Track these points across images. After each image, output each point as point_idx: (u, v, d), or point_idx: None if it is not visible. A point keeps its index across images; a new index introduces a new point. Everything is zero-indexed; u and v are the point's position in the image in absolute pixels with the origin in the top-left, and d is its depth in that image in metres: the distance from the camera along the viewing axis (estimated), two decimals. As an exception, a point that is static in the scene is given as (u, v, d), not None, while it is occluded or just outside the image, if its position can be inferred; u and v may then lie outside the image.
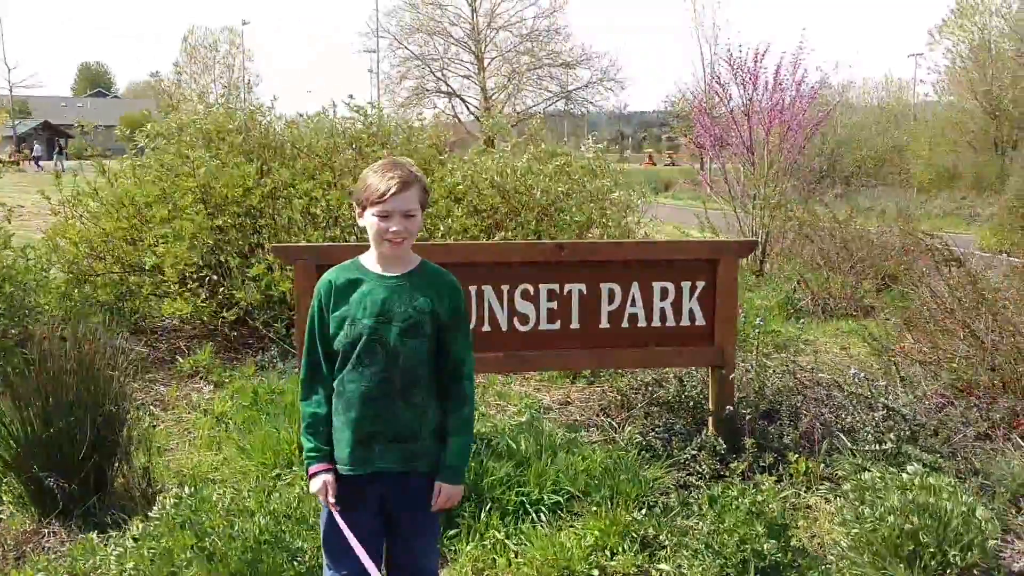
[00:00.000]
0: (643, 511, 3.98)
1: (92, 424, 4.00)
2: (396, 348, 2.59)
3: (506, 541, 3.77)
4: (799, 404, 5.02)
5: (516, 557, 3.68)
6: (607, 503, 3.99)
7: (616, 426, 5.08)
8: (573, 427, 4.81)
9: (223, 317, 6.74)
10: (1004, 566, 3.72)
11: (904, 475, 3.76)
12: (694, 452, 4.52)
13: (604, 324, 4.62)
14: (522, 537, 3.80)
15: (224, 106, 8.06)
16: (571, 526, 3.91)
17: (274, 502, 3.57)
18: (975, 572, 3.37)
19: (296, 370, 5.82)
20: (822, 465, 4.47)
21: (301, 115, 8.15)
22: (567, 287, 4.57)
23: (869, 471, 4.06)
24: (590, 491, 4.12)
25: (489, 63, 46.13)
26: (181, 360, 6.66)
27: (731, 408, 4.62)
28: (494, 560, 3.68)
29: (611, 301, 4.61)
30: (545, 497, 4.09)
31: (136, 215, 7.19)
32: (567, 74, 46.68)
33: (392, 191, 2.52)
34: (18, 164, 46.38)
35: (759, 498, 3.64)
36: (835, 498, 4.13)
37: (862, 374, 4.93)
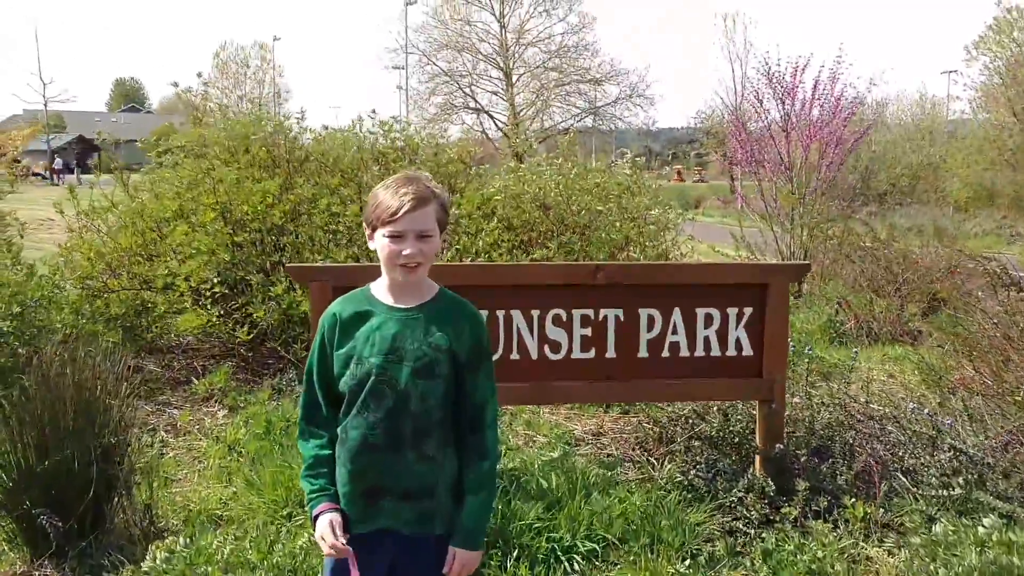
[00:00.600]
0: (686, 562, 3.62)
1: (91, 457, 3.71)
2: (407, 390, 2.26)
3: (536, 594, 3.42)
4: (852, 440, 4.63)
5: (547, 613, 3.34)
6: (646, 552, 3.63)
7: (654, 462, 4.72)
8: (609, 464, 4.46)
9: (238, 337, 6.46)
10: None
11: (981, 528, 3.38)
12: (741, 494, 4.15)
13: (643, 353, 4.26)
14: (554, 590, 3.45)
15: (253, 113, 7.82)
16: (607, 578, 3.56)
17: (277, 553, 3.24)
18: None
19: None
20: (880, 510, 4.08)
21: (326, 127, 7.89)
22: (603, 312, 4.22)
23: (938, 521, 3.68)
24: (627, 538, 3.77)
25: (517, 79, 45.95)
26: (196, 382, 6.38)
27: (781, 446, 4.25)
28: (523, 616, 3.34)
29: (651, 328, 4.26)
30: (579, 544, 3.74)
31: (154, 230, 6.95)
32: (595, 90, 46.40)
33: (406, 209, 2.21)
34: (53, 179, 46.91)
35: (819, 554, 3.27)
36: (900, 551, 3.73)
37: (925, 410, 4.53)
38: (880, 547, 3.81)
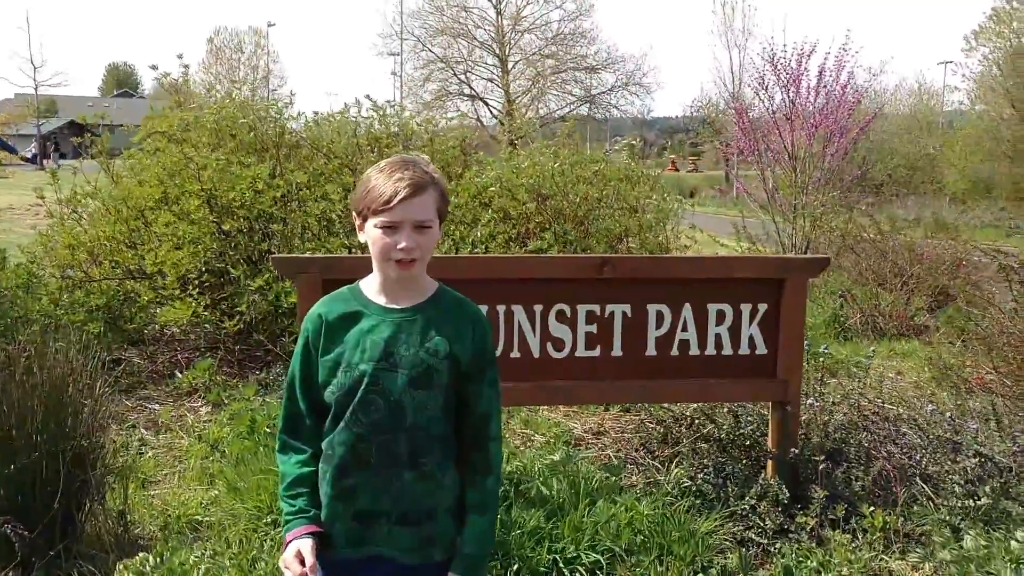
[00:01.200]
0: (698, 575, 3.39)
1: (61, 461, 3.45)
2: (402, 402, 2.00)
3: (538, 612, 3.19)
4: (867, 444, 4.39)
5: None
6: (656, 565, 3.40)
7: (659, 466, 4.48)
8: (613, 468, 4.22)
9: (225, 329, 6.20)
10: None
11: (1014, 543, 3.16)
12: (753, 502, 3.91)
13: (651, 351, 4.01)
14: (556, 607, 3.22)
15: (238, 97, 7.52)
16: (614, 593, 3.33)
17: (259, 571, 2.99)
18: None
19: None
20: (900, 519, 3.85)
21: (318, 113, 7.60)
22: (609, 308, 3.97)
23: (965, 533, 3.45)
24: (634, 549, 3.53)
25: (513, 66, 45.55)
26: (180, 375, 6.12)
27: (796, 451, 4.01)
28: (523, 636, 3.10)
29: (659, 325, 4.01)
30: (582, 555, 3.50)
31: (138, 217, 6.68)
32: (591, 78, 46.05)
33: (401, 196, 1.94)
34: (43, 164, 46.31)
35: (844, 571, 3.03)
36: (925, 564, 3.50)
37: (947, 414, 4.29)
38: (903, 560, 3.59)
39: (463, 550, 2.07)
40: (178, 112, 6.90)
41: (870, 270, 9.18)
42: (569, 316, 3.95)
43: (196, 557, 2.91)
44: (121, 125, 8.91)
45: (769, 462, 4.14)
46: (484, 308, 3.77)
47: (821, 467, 3.90)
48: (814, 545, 3.67)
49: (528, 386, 3.94)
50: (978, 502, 3.69)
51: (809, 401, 4.42)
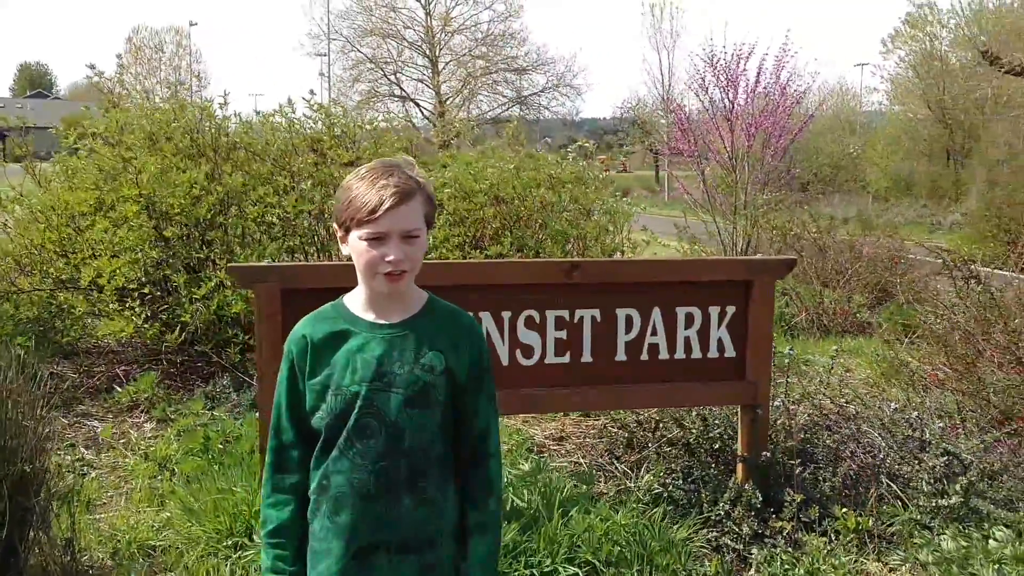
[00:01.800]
0: (680, 586, 3.32)
1: (3, 488, 3.20)
2: (399, 424, 1.88)
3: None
4: (831, 443, 4.39)
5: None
6: (636, 577, 3.32)
7: (628, 471, 4.41)
8: (584, 477, 4.13)
9: (167, 341, 5.92)
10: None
11: (992, 542, 3.17)
12: (727, 507, 3.86)
13: (620, 356, 3.94)
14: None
15: (172, 100, 7.21)
16: (596, 608, 3.24)
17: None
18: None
19: (256, 411, 5.05)
20: (870, 519, 3.85)
21: (258, 113, 7.34)
22: (578, 313, 3.88)
23: (941, 533, 3.46)
24: (613, 560, 3.45)
25: (444, 67, 45.36)
26: (119, 390, 5.83)
27: (768, 453, 3.98)
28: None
29: (629, 330, 3.94)
30: (560, 568, 3.40)
31: (69, 224, 6.34)
32: (521, 79, 46.15)
33: (387, 205, 1.81)
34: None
35: (831, 578, 2.99)
36: (904, 566, 3.49)
37: (915, 412, 4.32)
38: (880, 562, 3.58)
39: (468, 574, 1.95)
40: (114, 113, 6.57)
41: (812, 268, 9.31)
42: (538, 322, 3.85)
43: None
44: (38, 127, 8.50)
45: (739, 465, 4.10)
46: (451, 316, 3.68)
47: (797, 471, 3.87)
48: (790, 549, 3.64)
49: (498, 395, 3.81)
50: (949, 501, 3.71)
51: (776, 403, 4.40)
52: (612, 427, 5.12)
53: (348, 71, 45.10)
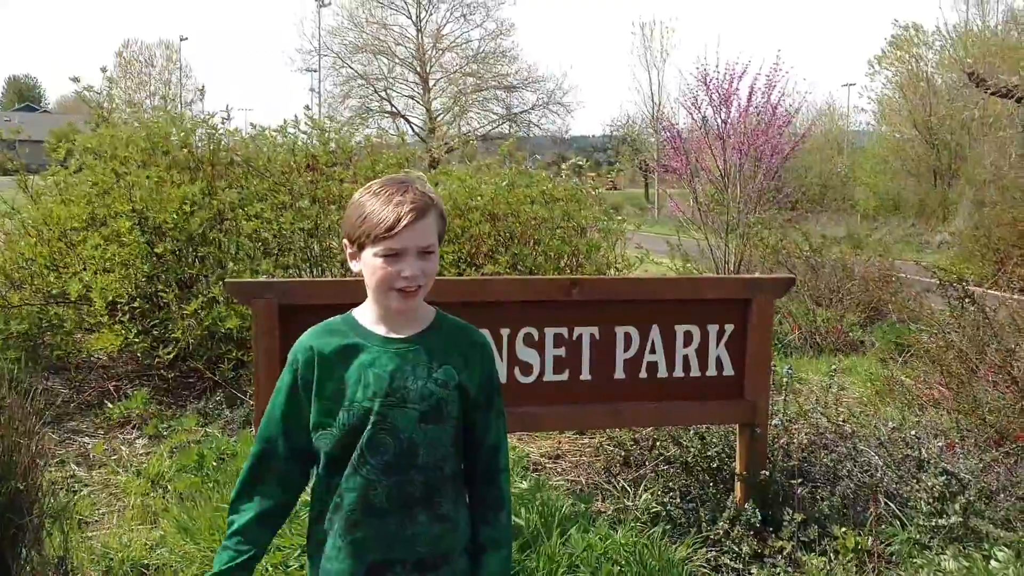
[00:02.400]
0: (680, 606, 3.29)
1: (-6, 506, 3.16)
2: (413, 439, 1.86)
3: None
4: (829, 462, 4.38)
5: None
6: (637, 597, 3.30)
7: (627, 490, 4.39)
8: (583, 496, 4.11)
9: (158, 356, 5.87)
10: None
11: (994, 563, 3.16)
12: (726, 526, 3.84)
13: (619, 374, 3.92)
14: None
15: (163, 112, 7.19)
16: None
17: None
18: None
19: (250, 427, 5.01)
20: (869, 538, 3.83)
21: (253, 126, 7.32)
22: (577, 331, 3.87)
23: (941, 553, 3.44)
24: (613, 580, 3.42)
25: (434, 84, 45.48)
26: (111, 405, 5.77)
27: (767, 472, 3.97)
28: None
29: (627, 347, 3.92)
30: (559, 588, 3.37)
31: (61, 238, 6.30)
32: (511, 96, 46.31)
33: (405, 222, 1.79)
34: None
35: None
36: (904, 586, 3.48)
37: (913, 431, 4.32)
38: (878, 581, 3.56)
39: None
40: (106, 127, 6.54)
41: (805, 287, 9.33)
42: (537, 339, 3.83)
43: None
44: (30, 140, 8.47)
45: (738, 484, 4.08)
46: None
47: (799, 490, 3.86)
48: (790, 569, 3.63)
49: (498, 412, 3.79)
50: (948, 521, 3.70)
51: (774, 422, 4.39)
52: (608, 445, 5.11)
53: (339, 87, 45.21)
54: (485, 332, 3.70)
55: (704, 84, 10.76)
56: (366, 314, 1.96)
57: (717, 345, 4.02)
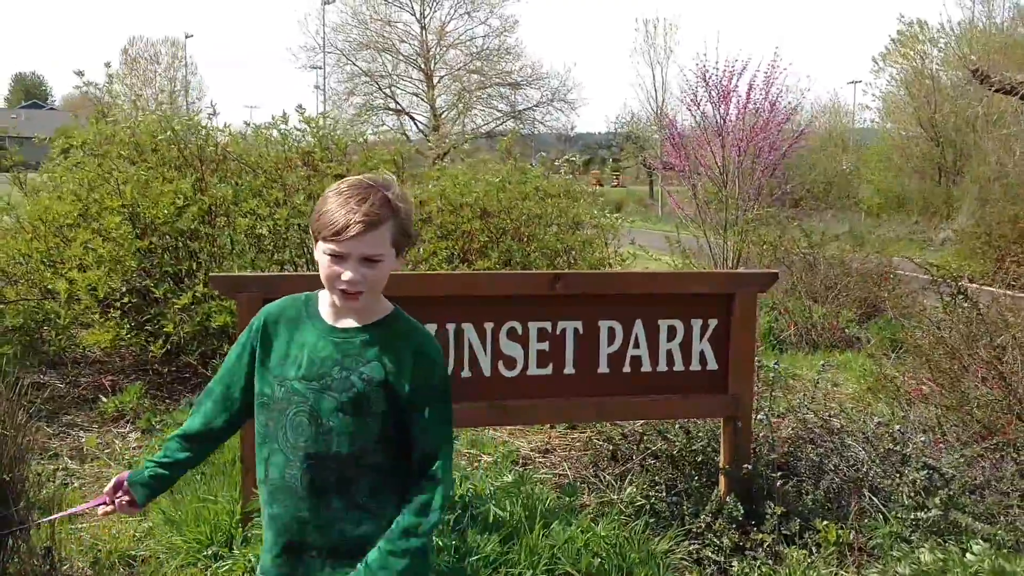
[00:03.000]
0: (659, 598, 3.32)
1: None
2: (330, 427, 1.89)
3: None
4: (815, 456, 4.40)
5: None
6: (616, 588, 3.32)
7: (612, 483, 4.41)
8: (568, 489, 4.13)
9: (151, 351, 5.91)
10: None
11: (970, 555, 3.18)
12: (708, 519, 3.87)
13: (603, 369, 3.95)
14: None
15: (158, 111, 7.24)
16: (575, 620, 3.23)
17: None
18: None
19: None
20: (851, 532, 3.86)
21: (248, 124, 7.36)
22: (561, 325, 3.90)
23: (919, 546, 3.47)
24: (593, 572, 3.44)
25: (438, 81, 45.46)
26: (105, 400, 5.81)
27: (749, 466, 3.99)
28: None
29: (611, 342, 3.95)
30: (540, 580, 3.40)
31: (55, 234, 6.35)
32: (516, 93, 46.26)
33: (352, 233, 1.82)
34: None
35: (809, 590, 3.00)
36: (883, 579, 3.50)
37: (896, 427, 4.34)
38: (860, 574, 3.58)
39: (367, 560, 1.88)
40: (99, 124, 6.58)
41: (802, 283, 9.33)
42: (520, 334, 3.86)
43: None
44: (31, 137, 8.51)
45: (722, 478, 4.11)
46: (433, 327, 3.68)
47: (779, 483, 3.88)
48: (770, 562, 3.65)
49: (480, 406, 3.83)
50: (928, 514, 3.72)
51: (759, 416, 4.41)
52: (598, 439, 5.13)
53: (343, 84, 45.19)
54: (469, 326, 3.78)
55: (703, 81, 10.77)
56: (324, 297, 2.00)
57: (701, 339, 4.04)
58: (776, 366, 4.59)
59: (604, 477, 4.55)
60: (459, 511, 3.74)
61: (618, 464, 4.72)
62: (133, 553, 3.75)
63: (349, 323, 1.96)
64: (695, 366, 4.05)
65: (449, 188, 6.36)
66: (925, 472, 3.88)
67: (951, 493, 3.85)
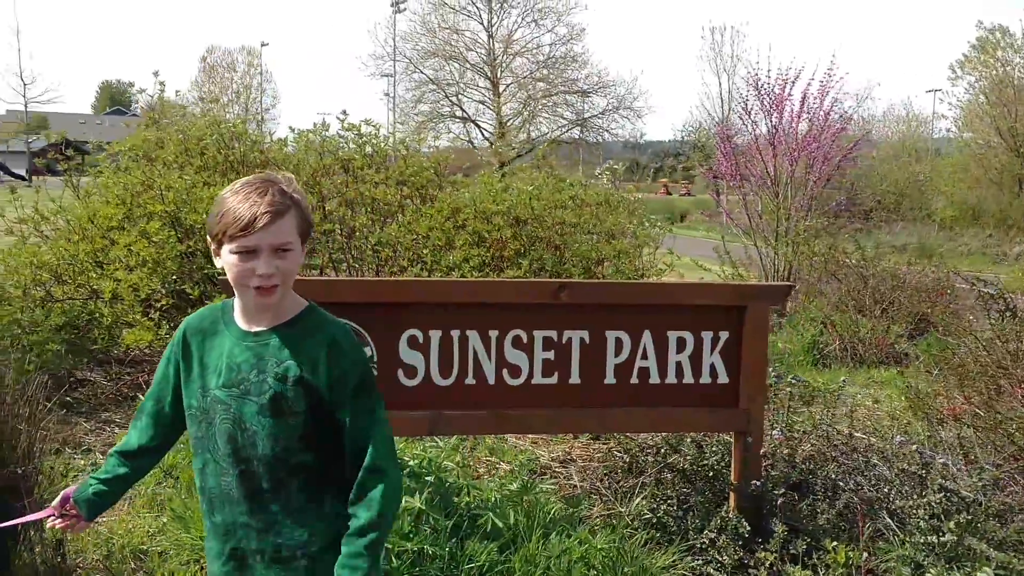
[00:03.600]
0: (651, 614, 3.27)
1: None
2: (255, 431, 1.90)
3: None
4: (835, 476, 4.29)
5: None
6: (607, 602, 3.29)
7: (622, 494, 4.37)
8: (572, 499, 4.11)
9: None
10: None
11: (976, 583, 3.05)
12: (713, 535, 3.80)
13: (610, 379, 3.91)
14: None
15: (226, 114, 7.46)
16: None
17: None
18: None
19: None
20: (863, 554, 3.74)
21: (292, 129, 7.51)
22: (567, 334, 3.87)
23: (926, 570, 3.35)
24: (587, 585, 3.42)
25: (504, 89, 45.68)
26: (142, 397, 5.97)
27: (758, 483, 3.91)
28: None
29: (618, 352, 3.91)
30: (533, 590, 3.38)
31: (103, 236, 6.57)
32: (582, 101, 46.16)
33: (260, 224, 1.83)
34: (31, 180, 46.11)
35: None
36: (887, 604, 3.39)
37: (913, 445, 4.20)
38: (864, 598, 3.48)
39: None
40: (150, 130, 6.81)
41: (850, 296, 9.11)
42: (526, 342, 3.84)
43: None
44: (111, 142, 8.83)
45: (731, 494, 4.03)
46: (437, 333, 3.69)
47: (780, 500, 3.79)
48: (775, 582, 3.57)
49: (484, 414, 3.82)
50: (942, 538, 3.59)
51: (774, 432, 4.32)
52: (617, 451, 5.08)
53: (411, 91, 45.78)
54: (474, 333, 3.77)
55: (755, 89, 10.61)
56: (237, 304, 2.01)
57: (711, 352, 3.97)
58: (794, 379, 4.47)
59: (616, 489, 4.51)
60: (462, 519, 3.76)
61: (633, 476, 4.67)
62: (145, 547, 3.85)
63: (263, 325, 1.97)
64: (705, 379, 3.98)
65: (483, 195, 6.38)
66: (942, 495, 3.75)
67: (970, 517, 3.70)
